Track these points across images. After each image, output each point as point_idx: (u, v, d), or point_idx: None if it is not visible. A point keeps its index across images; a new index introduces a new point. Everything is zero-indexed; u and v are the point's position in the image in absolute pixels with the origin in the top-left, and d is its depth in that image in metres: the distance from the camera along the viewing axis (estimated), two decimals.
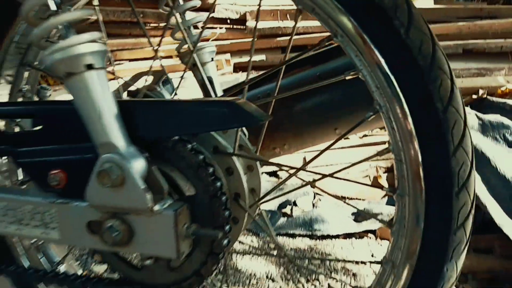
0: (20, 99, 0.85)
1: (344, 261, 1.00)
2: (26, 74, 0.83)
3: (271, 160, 0.92)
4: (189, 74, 0.97)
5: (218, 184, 0.61)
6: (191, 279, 0.65)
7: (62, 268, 0.92)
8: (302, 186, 0.73)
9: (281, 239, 2.06)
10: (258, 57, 3.05)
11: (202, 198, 0.62)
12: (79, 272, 0.93)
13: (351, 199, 2.51)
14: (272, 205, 2.42)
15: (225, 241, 0.62)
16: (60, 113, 0.60)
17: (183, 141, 0.61)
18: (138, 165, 0.55)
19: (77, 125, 0.57)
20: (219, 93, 0.86)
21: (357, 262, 1.36)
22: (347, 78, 0.64)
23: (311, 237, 2.12)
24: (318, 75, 0.90)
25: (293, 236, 2.11)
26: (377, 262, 0.68)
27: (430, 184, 0.58)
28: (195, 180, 0.62)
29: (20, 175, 0.89)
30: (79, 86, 0.52)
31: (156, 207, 0.56)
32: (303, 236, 2.13)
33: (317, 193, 2.56)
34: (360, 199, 2.47)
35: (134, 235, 0.59)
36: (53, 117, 0.61)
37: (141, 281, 0.69)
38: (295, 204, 2.40)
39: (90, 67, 0.52)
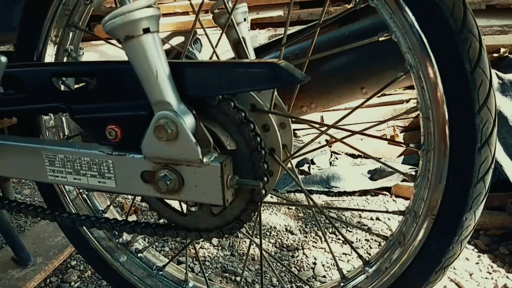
0: (65, 59, 0.90)
1: (371, 211, 1.07)
2: (71, 34, 0.88)
3: (304, 117, 0.97)
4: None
5: (258, 139, 0.67)
6: (231, 224, 0.73)
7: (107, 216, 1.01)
8: (333, 142, 0.78)
9: (299, 196, 2.15)
10: (276, 13, 3.02)
11: (243, 152, 0.68)
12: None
13: (367, 157, 2.56)
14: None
15: (263, 191, 0.69)
16: (117, 72, 0.65)
17: (225, 99, 0.66)
18: (189, 121, 0.61)
19: (132, 83, 0.63)
20: (252, 53, 0.90)
21: (382, 212, 1.43)
22: (380, 39, 0.67)
23: (328, 193, 2.20)
24: (346, 35, 0.93)
25: (310, 192, 2.19)
26: (401, 212, 0.75)
27: (455, 140, 0.63)
28: (237, 136, 0.67)
29: (67, 131, 0.96)
30: (137, 48, 0.57)
31: (205, 159, 0.62)
32: (320, 192, 2.21)
33: (334, 152, 2.62)
34: (376, 158, 2.52)
35: (184, 184, 0.65)
36: (110, 76, 0.66)
37: (186, 225, 0.77)
38: (312, 162, 2.46)
39: (147, 30, 0.57)
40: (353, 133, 0.77)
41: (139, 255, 1.02)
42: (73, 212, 0.95)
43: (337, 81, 0.97)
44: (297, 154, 0.81)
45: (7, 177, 1.21)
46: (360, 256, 0.80)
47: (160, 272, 1.00)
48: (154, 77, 0.58)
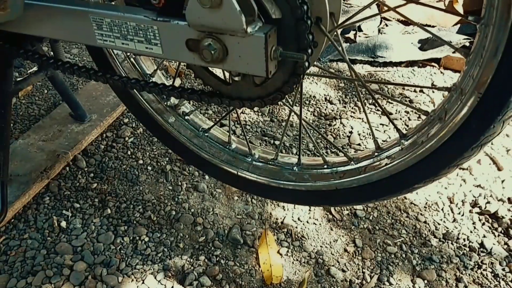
0: None
1: (415, 86, 1.05)
2: None
3: None
4: None
5: (305, 7, 0.64)
6: (273, 95, 0.75)
7: (154, 80, 1.06)
8: (385, 11, 0.73)
9: (341, 66, 2.11)
10: None
11: (288, 21, 0.65)
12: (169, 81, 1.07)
13: (420, 25, 2.39)
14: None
15: (307, 64, 0.69)
16: None
17: None
18: None
19: None
20: None
21: (428, 88, 1.40)
22: None
23: (372, 63, 2.13)
24: None
25: (353, 62, 2.13)
26: (446, 89, 0.73)
27: None
28: (282, 3, 0.64)
29: None
30: None
31: (249, 29, 0.61)
32: (364, 62, 2.15)
33: (384, 18, 2.45)
34: (430, 26, 2.35)
35: (228, 54, 0.66)
36: None
37: (229, 94, 0.80)
38: (359, 29, 2.33)
39: None
40: (408, 1, 0.71)
41: (186, 117, 1.09)
42: (123, 75, 1.00)
43: None
44: (345, 24, 0.78)
45: (58, 39, 1.25)
46: (397, 129, 0.81)
47: (206, 134, 1.08)
48: None
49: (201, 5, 0.60)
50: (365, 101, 1.82)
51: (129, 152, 1.50)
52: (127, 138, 1.57)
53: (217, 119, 1.13)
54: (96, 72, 0.90)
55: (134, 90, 0.95)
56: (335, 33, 0.80)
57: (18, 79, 1.24)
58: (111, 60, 1.03)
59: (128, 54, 1.04)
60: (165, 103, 1.08)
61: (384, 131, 1.64)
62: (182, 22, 0.66)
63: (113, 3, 0.96)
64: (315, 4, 0.70)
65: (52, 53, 1.35)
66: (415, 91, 1.92)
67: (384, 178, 0.83)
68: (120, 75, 0.91)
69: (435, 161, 0.76)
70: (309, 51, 0.67)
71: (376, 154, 0.86)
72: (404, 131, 0.82)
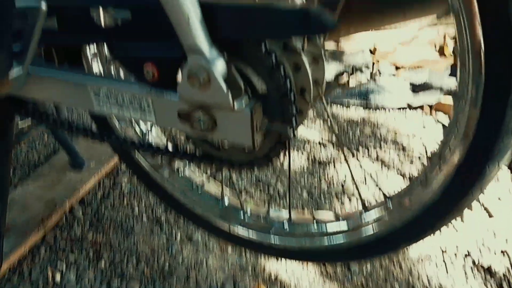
0: None
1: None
2: None
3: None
4: None
5: (288, 84, 0.68)
6: (261, 160, 0.78)
7: (150, 138, 1.09)
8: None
9: (334, 109, 2.16)
10: None
11: (273, 95, 0.69)
12: (164, 141, 1.10)
13: (413, 68, 2.46)
14: (329, 74, 2.45)
15: (291, 133, 0.72)
16: (150, 8, 0.65)
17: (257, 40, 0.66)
18: (220, 67, 0.63)
19: (166, 22, 0.63)
20: None
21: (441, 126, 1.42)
22: None
23: (365, 107, 2.18)
24: None
25: (347, 106, 2.18)
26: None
27: None
28: (266, 79, 0.69)
29: (108, 54, 1.00)
30: None
31: (236, 105, 0.65)
32: (357, 106, 2.20)
33: (376, 62, 2.52)
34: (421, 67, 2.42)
35: (217, 125, 0.70)
36: (144, 12, 0.66)
37: (220, 158, 0.83)
38: (352, 73, 2.41)
39: None
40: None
41: (180, 172, 1.12)
42: (122, 136, 1.03)
43: (380, 5, 0.91)
44: (328, 91, 0.82)
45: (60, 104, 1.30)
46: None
47: (199, 188, 1.10)
48: (185, 20, 0.58)
49: (190, 85, 0.64)
50: (358, 146, 1.86)
51: (125, 200, 1.52)
52: (123, 186, 1.59)
53: (210, 174, 1.16)
54: (93, 133, 0.94)
55: (130, 150, 0.99)
56: (320, 99, 0.83)
57: (19, 126, 1.28)
58: (108, 118, 1.07)
59: None
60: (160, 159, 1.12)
61: (378, 178, 1.66)
62: (174, 95, 0.70)
63: (111, 66, 1.01)
64: (299, 76, 0.75)
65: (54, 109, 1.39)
66: (407, 135, 1.96)
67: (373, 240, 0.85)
68: (117, 136, 0.95)
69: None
70: (293, 122, 0.71)
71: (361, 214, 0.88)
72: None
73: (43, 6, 0.65)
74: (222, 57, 0.64)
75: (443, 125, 1.99)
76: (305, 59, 0.74)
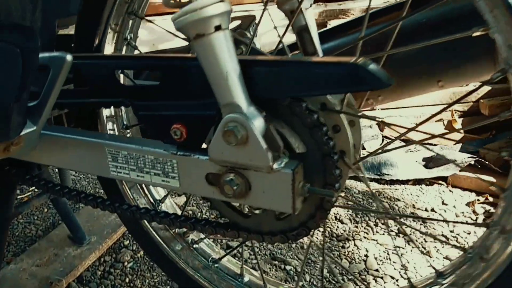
0: (124, 47, 0.88)
1: (448, 222, 1.00)
2: (130, 22, 0.85)
3: (374, 116, 0.91)
4: None
5: (331, 143, 0.62)
6: (297, 230, 0.69)
7: (163, 207, 1.00)
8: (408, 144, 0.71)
9: (348, 182, 2.08)
10: None
11: (314, 157, 0.63)
12: (179, 213, 1.01)
13: (423, 143, 2.44)
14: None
15: (335, 198, 0.64)
16: (184, 68, 0.61)
17: (296, 99, 0.61)
18: (259, 124, 0.57)
19: (199, 81, 0.59)
20: (318, 43, 0.84)
21: (462, 224, 1.34)
22: (474, 35, 0.59)
23: (379, 181, 2.12)
24: (424, 22, 0.84)
25: (360, 179, 2.11)
26: (484, 225, 0.68)
27: None
28: (308, 139, 0.63)
29: (126, 120, 0.95)
30: (207, 47, 0.53)
31: (275, 166, 0.58)
32: (371, 180, 2.13)
33: (385, 137, 2.51)
34: (432, 144, 2.39)
35: (251, 189, 0.62)
36: (176, 72, 0.62)
37: (247, 227, 0.74)
38: (363, 147, 2.37)
39: (218, 28, 0.52)
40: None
41: (194, 245, 1.02)
42: (132, 204, 0.95)
43: (412, 72, 0.88)
44: (369, 155, 0.76)
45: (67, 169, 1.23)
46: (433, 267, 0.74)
47: (216, 264, 0.99)
48: (224, 78, 0.54)
49: (226, 143, 0.57)
50: (377, 220, 1.76)
51: (127, 280, 1.38)
52: (126, 263, 1.46)
53: (228, 248, 1.05)
54: (104, 200, 0.85)
55: (144, 220, 0.90)
56: (358, 165, 0.77)
57: (19, 197, 1.19)
58: (119, 185, 0.99)
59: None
60: (173, 230, 1.02)
61: (402, 255, 1.54)
62: (203, 156, 0.64)
63: (128, 132, 0.96)
64: (339, 138, 0.69)
65: (58, 176, 1.32)
66: (426, 210, 1.87)
67: None
68: (129, 205, 0.86)
69: None
70: (337, 185, 0.63)
71: None
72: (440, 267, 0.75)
73: (69, 57, 0.61)
74: (261, 115, 0.59)
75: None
76: (344, 121, 0.69)
